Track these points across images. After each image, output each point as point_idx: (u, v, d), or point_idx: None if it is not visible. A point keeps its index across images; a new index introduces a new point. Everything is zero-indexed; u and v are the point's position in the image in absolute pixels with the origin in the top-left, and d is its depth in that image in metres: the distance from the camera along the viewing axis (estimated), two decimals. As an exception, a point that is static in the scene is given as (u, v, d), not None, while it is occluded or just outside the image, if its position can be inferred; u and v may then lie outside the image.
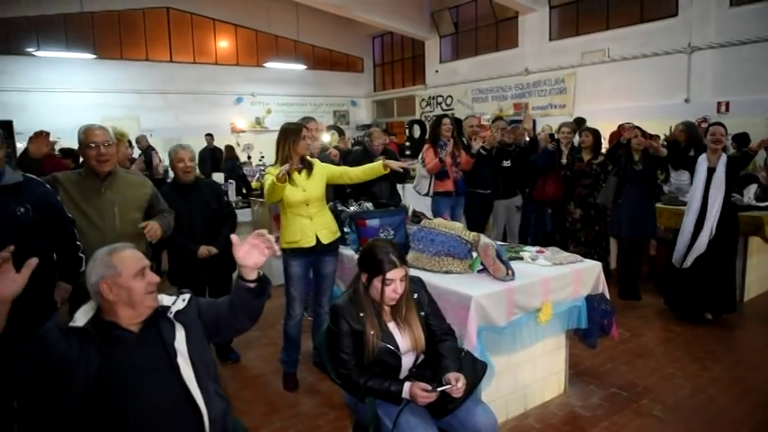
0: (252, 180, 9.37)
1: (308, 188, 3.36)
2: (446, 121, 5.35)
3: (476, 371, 2.29)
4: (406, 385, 2.12)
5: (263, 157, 13.90)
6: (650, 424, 3.07)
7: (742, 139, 7.43)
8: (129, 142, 5.24)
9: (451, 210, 5.35)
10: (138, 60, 14.18)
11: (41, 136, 3.03)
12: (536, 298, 2.95)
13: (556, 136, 6.06)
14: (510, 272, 2.89)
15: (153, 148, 9.75)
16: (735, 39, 9.25)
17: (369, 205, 3.98)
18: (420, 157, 5.55)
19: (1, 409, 2.12)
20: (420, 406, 2.12)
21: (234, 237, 1.83)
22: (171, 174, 5.63)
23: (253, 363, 4.08)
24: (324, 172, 3.49)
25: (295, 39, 16.18)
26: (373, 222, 3.57)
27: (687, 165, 4.84)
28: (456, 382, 2.05)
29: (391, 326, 2.27)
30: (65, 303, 2.70)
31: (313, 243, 3.38)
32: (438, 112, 14.84)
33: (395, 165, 3.39)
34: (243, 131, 15.61)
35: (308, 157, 3.50)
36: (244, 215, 6.42)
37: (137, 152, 8.71)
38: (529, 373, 3.19)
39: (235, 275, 1.89)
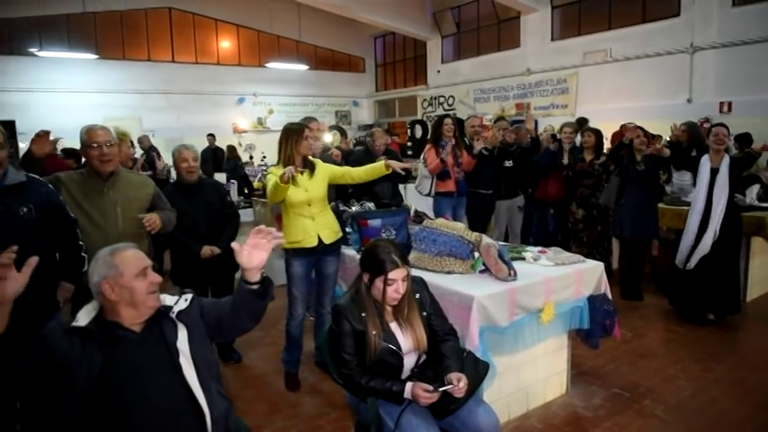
0: (254, 180, 9.39)
1: (311, 188, 3.36)
2: (448, 121, 5.34)
3: (478, 371, 2.29)
4: (408, 385, 2.12)
5: (264, 157, 13.93)
6: (652, 425, 3.06)
7: (744, 139, 7.41)
8: (132, 142, 5.24)
9: (453, 210, 5.34)
10: (140, 60, 14.20)
11: (43, 136, 3.04)
12: (538, 298, 2.95)
13: (558, 136, 6.05)
14: (512, 272, 2.89)
15: (155, 149, 9.76)
16: (737, 39, 9.23)
17: (371, 205, 3.99)
18: (422, 157, 5.55)
19: (4, 409, 2.13)
20: (422, 406, 2.12)
21: (234, 244, 1.83)
22: (173, 174, 5.63)
23: (255, 363, 4.09)
24: (326, 172, 3.49)
25: (297, 39, 16.18)
26: (375, 222, 3.57)
27: (689, 165, 4.84)
28: (458, 383, 2.05)
29: (393, 326, 2.27)
30: (67, 303, 2.71)
31: (315, 243, 3.38)
32: (440, 112, 14.84)
33: (397, 165, 3.38)
34: (245, 132, 15.62)
35: (311, 158, 3.50)
36: (246, 215, 6.43)
37: (139, 152, 8.73)
38: (531, 373, 3.19)
39: (237, 276, 1.89)
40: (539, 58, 12.64)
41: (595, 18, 11.54)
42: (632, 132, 5.11)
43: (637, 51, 10.68)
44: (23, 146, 9.69)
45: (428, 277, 2.64)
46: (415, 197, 5.73)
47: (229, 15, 15.32)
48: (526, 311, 2.91)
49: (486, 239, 3.02)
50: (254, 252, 1.83)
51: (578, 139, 5.91)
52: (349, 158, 5.04)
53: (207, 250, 3.70)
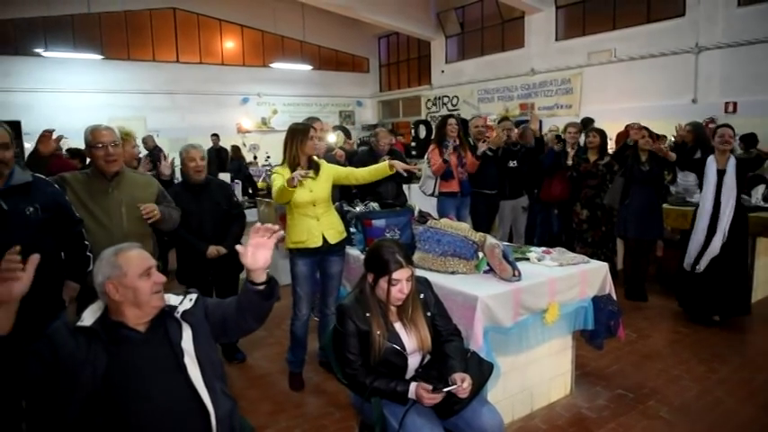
0: (258, 180, 9.40)
1: (316, 189, 3.36)
2: (452, 121, 5.34)
3: (482, 371, 2.29)
4: (412, 386, 2.12)
5: (268, 157, 13.94)
6: (657, 425, 3.06)
7: (750, 139, 7.40)
8: (136, 143, 5.24)
9: (457, 210, 5.34)
10: (144, 61, 14.25)
11: (47, 134, 3.06)
12: (542, 299, 2.95)
13: (562, 136, 6.05)
14: (516, 272, 2.89)
15: (160, 149, 9.79)
16: (742, 39, 9.21)
17: (375, 205, 3.98)
18: (426, 157, 5.55)
19: (9, 408, 2.14)
20: (426, 406, 2.12)
21: (239, 247, 1.83)
22: (177, 174, 5.63)
23: (259, 362, 4.09)
24: (330, 173, 3.49)
25: (301, 39, 16.21)
26: (379, 223, 3.57)
27: (693, 166, 4.82)
28: (462, 383, 2.05)
29: (397, 326, 2.27)
30: (73, 302, 2.72)
31: (320, 243, 3.38)
32: (444, 112, 14.84)
33: (400, 166, 3.38)
34: (249, 132, 15.66)
35: (315, 158, 3.50)
36: (250, 215, 6.43)
37: (143, 152, 8.75)
38: (535, 373, 3.18)
39: (242, 276, 1.89)
40: (543, 59, 12.63)
41: (600, 18, 11.53)
42: (637, 133, 5.09)
43: (641, 51, 10.67)
44: (29, 146, 9.73)
45: (432, 277, 2.63)
46: (419, 197, 5.73)
47: (234, 16, 15.36)
48: (530, 312, 2.91)
49: (490, 240, 3.01)
50: (258, 252, 1.83)
51: (582, 139, 5.90)
52: (353, 159, 5.05)
53: (213, 250, 3.71)
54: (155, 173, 4.29)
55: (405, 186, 5.38)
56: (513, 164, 5.83)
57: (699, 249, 4.47)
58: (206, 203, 3.77)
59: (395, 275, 2.17)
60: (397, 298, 2.20)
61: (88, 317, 1.77)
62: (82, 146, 3.17)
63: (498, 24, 13.91)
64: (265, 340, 4.41)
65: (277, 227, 1.87)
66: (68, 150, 6.13)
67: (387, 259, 2.18)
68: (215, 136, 12.34)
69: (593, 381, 3.59)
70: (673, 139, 5.97)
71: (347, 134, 13.77)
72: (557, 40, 12.45)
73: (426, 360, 2.33)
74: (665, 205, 5.41)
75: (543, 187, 5.96)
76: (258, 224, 1.88)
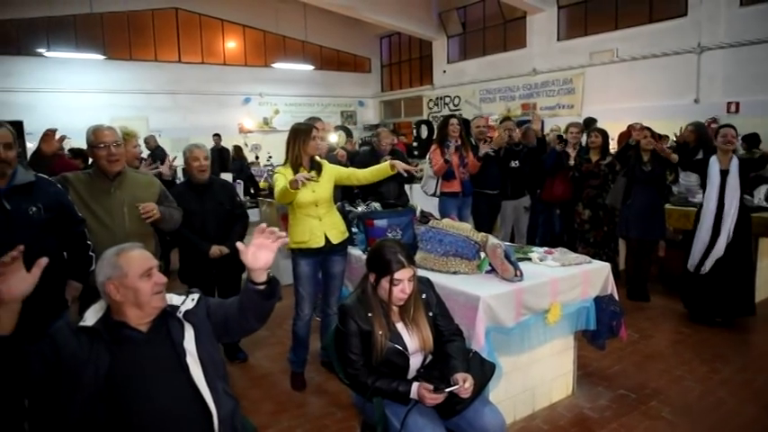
0: (260, 180, 9.42)
1: (318, 189, 3.36)
2: (453, 121, 5.33)
3: (484, 371, 2.29)
4: (414, 386, 2.12)
5: (270, 157, 13.97)
6: (659, 426, 3.05)
7: (752, 139, 7.38)
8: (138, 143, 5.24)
9: (459, 210, 5.34)
10: (146, 61, 14.26)
11: (50, 134, 3.06)
12: (544, 299, 2.94)
13: (564, 136, 6.04)
14: (518, 273, 2.89)
15: (162, 149, 9.81)
16: (745, 39, 9.19)
17: (377, 205, 3.99)
18: (427, 157, 5.55)
19: (12, 407, 2.14)
20: (428, 406, 2.12)
21: (239, 244, 1.83)
22: (179, 174, 5.64)
23: (260, 362, 4.09)
24: (332, 173, 3.49)
25: (303, 39, 16.21)
26: (381, 223, 3.57)
27: (696, 167, 4.81)
28: (464, 383, 2.05)
29: (399, 326, 2.27)
30: (75, 302, 2.72)
31: (322, 243, 3.39)
32: (445, 112, 14.83)
33: (401, 167, 3.38)
34: (251, 132, 15.66)
35: (317, 158, 3.50)
36: (252, 215, 6.44)
37: (146, 152, 8.77)
38: (537, 374, 3.18)
39: (244, 276, 1.89)
40: (545, 59, 12.62)
41: (602, 18, 11.51)
42: (639, 133, 5.09)
43: (644, 51, 10.65)
44: (31, 146, 9.76)
45: (434, 277, 2.63)
46: (421, 197, 5.73)
47: (235, 16, 15.37)
48: (532, 312, 2.91)
49: (492, 240, 3.01)
50: (260, 252, 1.83)
51: (584, 139, 5.89)
52: (354, 159, 5.05)
53: (215, 250, 3.71)
54: (157, 172, 4.30)
55: (406, 186, 5.38)
56: (515, 164, 5.83)
57: (703, 250, 4.45)
58: (209, 203, 3.78)
59: (397, 275, 2.17)
60: (399, 298, 2.20)
61: (90, 317, 1.77)
62: (84, 146, 3.17)
63: (500, 24, 13.90)
64: (267, 340, 4.41)
65: (284, 234, 1.87)
66: (71, 150, 6.13)
67: (389, 259, 2.18)
68: (217, 136, 12.35)
69: (596, 381, 3.59)
70: (674, 139, 5.96)
71: (349, 134, 13.79)
72: (559, 39, 12.44)
73: (428, 360, 2.33)
74: (667, 205, 5.40)
75: (545, 187, 5.95)
76: (264, 225, 1.88)
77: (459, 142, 5.31)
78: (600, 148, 5.59)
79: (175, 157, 4.75)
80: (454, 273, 3.05)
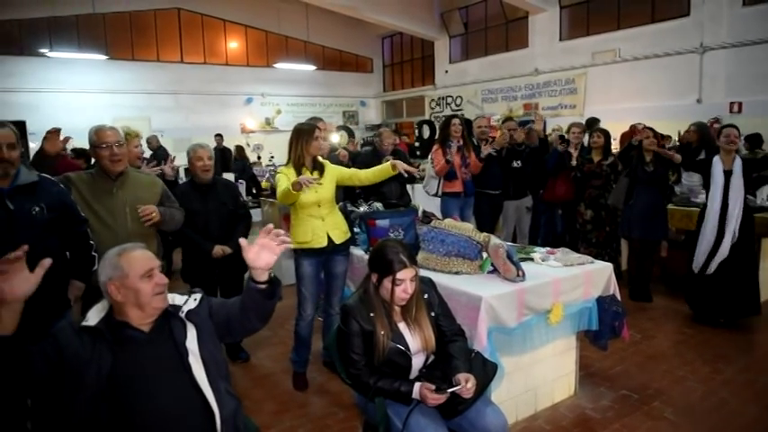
0: (262, 180, 9.42)
1: (321, 189, 3.36)
2: (455, 121, 5.33)
3: (486, 372, 2.29)
4: (416, 386, 2.12)
5: (272, 157, 13.96)
6: (661, 426, 3.05)
7: (755, 139, 7.36)
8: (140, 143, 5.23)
9: (460, 210, 5.33)
10: (149, 61, 14.27)
11: (54, 133, 3.07)
12: (547, 299, 2.94)
13: (566, 136, 6.03)
14: (520, 273, 2.88)
15: (164, 149, 9.82)
16: (747, 39, 9.17)
17: (378, 205, 3.99)
18: (429, 157, 5.55)
19: (15, 406, 2.14)
20: (430, 407, 2.12)
21: (242, 240, 1.83)
22: (182, 174, 5.64)
23: (263, 362, 4.10)
24: (334, 173, 3.50)
25: (305, 39, 16.21)
26: (383, 223, 3.57)
27: (698, 167, 4.80)
28: (466, 383, 2.05)
29: (401, 326, 2.27)
30: (78, 301, 2.73)
31: (325, 243, 3.39)
32: (447, 112, 14.83)
33: (402, 167, 3.38)
34: (253, 132, 15.67)
35: (320, 158, 3.50)
36: (254, 215, 6.44)
37: (148, 152, 8.78)
38: (539, 374, 3.18)
39: (247, 276, 1.90)
40: (547, 59, 12.61)
41: (604, 18, 11.50)
42: (642, 133, 5.08)
43: (646, 51, 10.64)
44: (33, 146, 9.77)
45: (436, 278, 2.63)
46: (423, 197, 5.73)
47: (238, 16, 15.38)
48: (535, 312, 2.91)
49: (494, 240, 3.01)
50: (263, 252, 1.83)
51: (586, 139, 5.89)
52: (356, 159, 5.05)
53: (218, 250, 3.72)
54: (159, 173, 4.30)
55: (408, 186, 5.37)
56: (517, 164, 5.82)
57: (708, 251, 4.43)
58: (212, 203, 3.78)
59: (399, 275, 2.17)
60: (401, 298, 2.20)
61: (93, 316, 1.78)
62: (86, 146, 3.17)
63: (502, 24, 13.89)
64: (269, 340, 4.41)
65: (288, 239, 1.88)
66: (73, 150, 6.13)
67: (391, 259, 2.18)
68: (218, 136, 12.36)
69: (598, 381, 3.59)
70: (677, 140, 5.96)
71: (351, 135, 13.79)
72: (561, 39, 12.43)
73: (430, 360, 2.33)
74: (669, 206, 5.39)
75: (547, 187, 5.95)
76: (270, 225, 1.88)
77: (461, 142, 5.31)
78: (602, 148, 5.58)
79: (174, 157, 4.75)
80: (456, 273, 3.05)
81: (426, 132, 14.82)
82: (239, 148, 12.22)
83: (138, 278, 1.74)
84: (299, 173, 3.32)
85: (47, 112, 11.82)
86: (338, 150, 5.22)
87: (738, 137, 4.49)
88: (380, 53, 18.35)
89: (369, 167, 3.64)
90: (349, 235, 3.58)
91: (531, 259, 3.30)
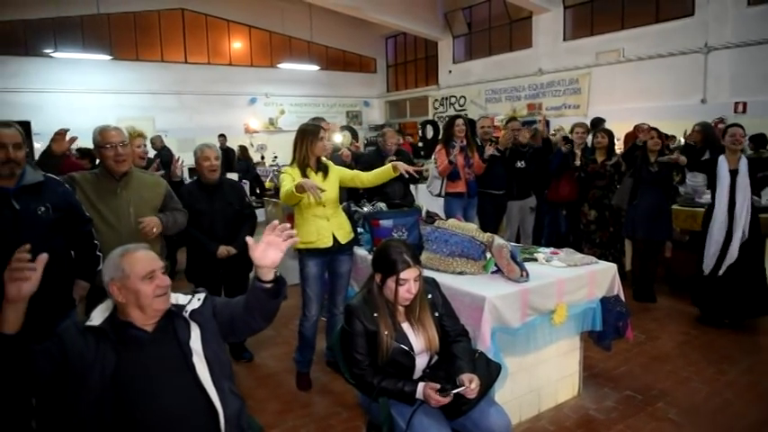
0: (265, 180, 9.43)
1: (326, 189, 3.36)
2: (459, 121, 5.33)
3: (489, 372, 2.28)
4: (420, 386, 2.12)
5: (276, 157, 13.98)
6: (665, 427, 3.04)
7: (759, 140, 7.34)
8: (145, 143, 5.22)
9: (464, 211, 5.32)
10: (153, 61, 14.30)
11: (61, 134, 3.08)
12: (550, 299, 2.94)
13: (570, 136, 6.02)
14: (524, 273, 2.88)
15: (168, 149, 9.83)
16: (752, 39, 9.14)
17: (382, 205, 3.99)
18: (433, 157, 5.54)
19: (20, 405, 2.15)
20: (434, 407, 2.12)
21: (249, 239, 1.83)
22: (185, 174, 5.64)
23: (266, 362, 4.10)
24: (338, 174, 3.50)
25: (308, 39, 16.23)
26: (387, 223, 3.57)
27: (703, 167, 4.79)
28: (470, 383, 2.05)
29: (405, 326, 2.27)
30: (82, 301, 2.74)
31: (330, 243, 3.39)
32: (451, 112, 14.82)
33: (403, 167, 3.38)
34: (256, 132, 15.69)
35: (324, 159, 3.51)
36: (257, 215, 6.46)
37: (151, 152, 8.78)
38: (543, 374, 3.18)
39: (251, 275, 1.90)
40: (551, 59, 12.59)
41: (608, 18, 11.47)
42: (646, 134, 5.07)
43: (650, 51, 10.61)
44: (38, 146, 9.79)
45: (440, 278, 2.63)
46: (427, 197, 5.73)
47: (241, 16, 15.40)
48: (538, 313, 2.90)
49: (498, 240, 3.01)
50: (269, 250, 1.82)
51: (589, 139, 5.88)
52: (360, 160, 5.05)
53: (223, 250, 3.72)
54: (162, 173, 4.30)
55: (412, 187, 5.37)
56: (520, 164, 5.81)
57: (718, 251, 4.40)
58: (218, 203, 3.78)
59: (402, 275, 2.17)
60: (405, 298, 2.21)
61: (97, 316, 1.78)
62: (90, 146, 3.18)
63: (506, 24, 13.88)
64: (273, 340, 4.41)
65: (294, 231, 1.88)
66: (78, 150, 6.15)
67: (394, 259, 2.18)
68: (222, 137, 12.38)
69: (602, 382, 3.58)
70: (683, 140, 5.94)
71: (354, 135, 13.80)
72: (565, 39, 12.40)
73: (434, 360, 2.33)
74: (673, 206, 5.38)
75: (551, 188, 5.94)
76: (276, 222, 1.88)
77: (465, 143, 5.30)
78: (606, 148, 5.57)
79: (179, 158, 4.75)
80: (460, 273, 3.05)
81: (430, 132, 14.82)
82: (243, 149, 12.24)
83: (138, 280, 1.74)
84: (303, 173, 3.32)
85: (51, 112, 11.87)
86: (341, 150, 5.22)
87: (744, 136, 4.47)
88: (384, 53, 18.35)
89: (372, 167, 3.64)
90: (353, 235, 3.59)
91: (535, 259, 3.30)
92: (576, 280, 3.06)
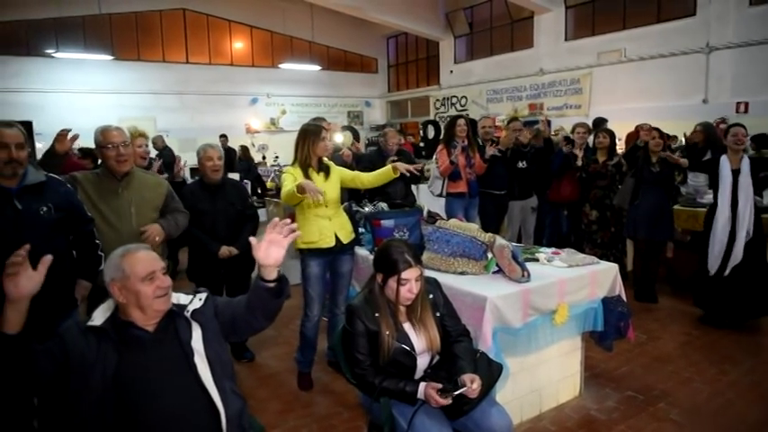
0: (267, 180, 9.43)
1: (327, 190, 3.35)
2: (461, 122, 5.32)
3: (491, 372, 2.28)
4: (421, 386, 2.12)
5: (277, 157, 13.98)
6: (667, 428, 3.04)
7: (761, 140, 7.31)
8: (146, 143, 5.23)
9: (465, 211, 5.32)
10: (154, 61, 14.33)
11: (64, 134, 3.09)
12: (552, 299, 2.94)
13: (571, 136, 6.02)
14: (525, 273, 2.88)
15: (170, 149, 9.84)
16: (754, 39, 9.13)
17: (383, 205, 3.99)
18: (434, 157, 5.54)
19: (21, 405, 2.15)
20: (435, 407, 2.12)
21: (252, 239, 1.84)
22: (187, 174, 5.65)
23: (267, 362, 4.10)
24: (339, 175, 3.51)
25: (310, 40, 16.25)
26: (388, 223, 3.57)
27: (704, 167, 4.78)
28: (471, 384, 2.05)
29: (407, 326, 2.27)
30: (84, 301, 2.74)
31: (333, 243, 3.39)
32: (452, 112, 14.82)
33: (403, 168, 3.38)
34: (258, 132, 15.71)
35: (325, 159, 3.51)
36: (259, 215, 6.47)
37: (153, 152, 8.78)
38: (544, 374, 3.17)
39: (254, 275, 1.90)
40: (552, 59, 12.59)
41: (610, 18, 11.47)
42: (648, 134, 5.06)
43: (652, 51, 10.61)
44: (40, 146, 9.82)
45: (441, 278, 2.63)
46: (428, 197, 5.73)
47: (243, 16, 15.42)
48: (540, 313, 2.90)
49: (499, 240, 3.01)
50: (271, 248, 1.83)
51: (591, 139, 5.87)
52: (362, 160, 5.05)
53: (225, 251, 3.72)
54: (167, 175, 4.30)
55: (413, 187, 5.37)
56: (522, 164, 5.81)
57: (723, 251, 4.39)
58: (220, 203, 3.78)
59: (404, 275, 2.17)
60: (407, 298, 2.21)
61: (99, 316, 1.79)
62: (92, 146, 3.19)
63: (507, 24, 13.88)
64: (274, 340, 4.42)
65: (295, 225, 1.88)
66: (80, 150, 6.16)
67: (395, 259, 2.18)
68: (223, 137, 12.39)
69: (603, 382, 3.57)
70: (684, 140, 5.93)
71: (356, 136, 13.79)
72: (566, 39, 12.40)
73: (435, 360, 2.33)
74: (675, 206, 5.37)
75: (552, 188, 5.93)
76: (276, 219, 1.88)
77: (466, 143, 5.30)
78: (607, 148, 5.57)
79: (184, 161, 4.76)
80: (461, 273, 3.05)
81: (431, 133, 14.83)
82: (244, 149, 12.25)
83: (138, 281, 1.75)
84: (305, 173, 3.32)
85: (53, 112, 11.90)
86: (342, 150, 5.22)
87: (746, 136, 4.46)
88: (385, 53, 18.36)
89: (374, 168, 3.65)
90: (354, 235, 3.59)
91: (537, 260, 3.30)
92: (577, 280, 3.06)
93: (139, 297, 1.74)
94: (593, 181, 5.51)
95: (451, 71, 15.61)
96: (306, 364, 3.65)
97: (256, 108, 15.85)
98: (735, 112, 9.20)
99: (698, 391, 3.43)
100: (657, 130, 5.14)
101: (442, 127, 9.50)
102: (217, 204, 3.76)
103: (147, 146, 4.73)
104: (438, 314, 2.32)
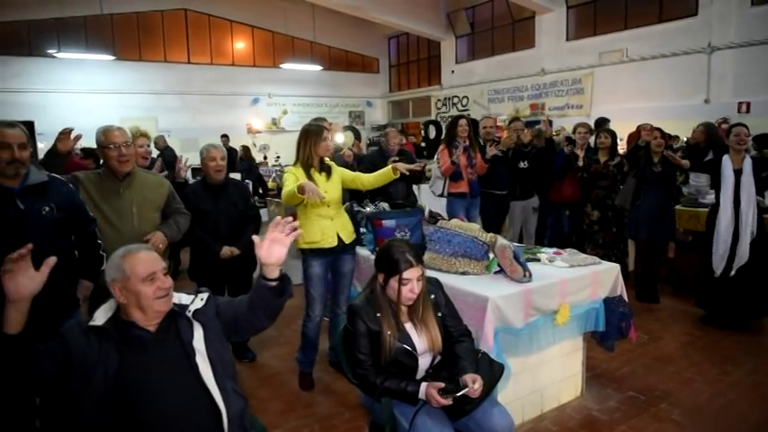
0: (268, 180, 9.44)
1: (329, 190, 3.36)
2: (462, 122, 5.32)
3: (492, 372, 2.28)
4: (423, 386, 2.12)
5: (278, 157, 13.99)
6: (668, 428, 3.03)
7: (763, 140, 7.31)
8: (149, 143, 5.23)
9: (466, 211, 5.32)
10: (156, 62, 14.34)
11: (66, 133, 3.09)
12: (553, 300, 2.93)
13: (572, 137, 6.01)
14: (527, 273, 2.88)
15: (171, 149, 9.86)
16: (756, 38, 9.12)
17: (385, 206, 3.99)
18: (436, 157, 5.54)
19: (23, 405, 2.16)
20: (436, 407, 2.12)
21: (255, 238, 1.84)
22: (188, 174, 5.65)
23: (269, 362, 4.10)
24: (340, 175, 3.51)
25: (311, 40, 16.25)
26: (390, 223, 3.57)
27: (706, 167, 4.77)
28: (473, 384, 2.05)
29: (408, 326, 2.27)
30: (86, 301, 2.74)
31: (335, 243, 3.40)
32: (454, 112, 14.82)
33: (403, 168, 3.38)
34: (259, 132, 15.72)
35: (327, 160, 3.51)
36: (261, 215, 6.47)
37: (154, 152, 8.79)
38: (546, 375, 3.17)
39: (255, 275, 1.90)
40: (554, 59, 12.58)
41: (611, 18, 11.46)
42: (649, 134, 5.06)
43: (653, 51, 10.59)
44: (42, 146, 9.82)
45: (443, 278, 2.63)
46: (429, 198, 5.72)
47: (244, 16, 15.43)
48: (541, 313, 2.90)
49: (501, 240, 3.01)
50: (274, 247, 1.83)
51: (592, 139, 5.87)
52: (363, 160, 5.05)
53: (227, 251, 3.72)
54: (169, 175, 4.30)
55: (415, 187, 5.37)
56: (523, 164, 5.81)
57: (727, 251, 4.37)
58: (222, 203, 3.79)
59: (405, 275, 2.17)
60: (408, 298, 2.21)
61: (100, 316, 1.79)
62: (94, 146, 3.19)
63: (509, 24, 13.87)
64: (276, 339, 4.42)
65: (297, 223, 1.88)
66: (83, 150, 6.16)
67: (397, 259, 2.18)
68: (224, 137, 12.39)
69: (605, 383, 3.57)
70: (686, 140, 5.92)
71: (357, 136, 13.79)
72: (567, 39, 12.40)
73: (437, 361, 2.33)
74: (677, 206, 5.36)
75: (554, 188, 5.93)
76: (278, 217, 1.88)
77: (468, 143, 5.30)
78: (608, 148, 5.56)
79: (186, 159, 4.76)
80: (463, 273, 3.05)
81: (432, 133, 14.82)
82: (245, 149, 12.24)
83: (139, 281, 1.75)
84: (307, 173, 3.33)
85: (55, 112, 11.91)
86: (343, 150, 5.22)
87: (748, 136, 4.46)
88: (387, 53, 18.37)
89: (375, 168, 3.65)
90: (355, 235, 3.60)
91: (538, 260, 3.29)
92: (578, 280, 3.06)
93: (140, 298, 1.74)
94: (594, 181, 5.50)
95: (453, 71, 15.61)
96: (307, 364, 3.65)
97: (258, 108, 15.86)
98: (737, 112, 9.19)
99: (699, 392, 3.43)
100: (659, 130, 5.14)
101: (444, 127, 9.51)
102: (219, 204, 3.77)
103: (148, 146, 4.74)
104: (439, 314, 2.32)
